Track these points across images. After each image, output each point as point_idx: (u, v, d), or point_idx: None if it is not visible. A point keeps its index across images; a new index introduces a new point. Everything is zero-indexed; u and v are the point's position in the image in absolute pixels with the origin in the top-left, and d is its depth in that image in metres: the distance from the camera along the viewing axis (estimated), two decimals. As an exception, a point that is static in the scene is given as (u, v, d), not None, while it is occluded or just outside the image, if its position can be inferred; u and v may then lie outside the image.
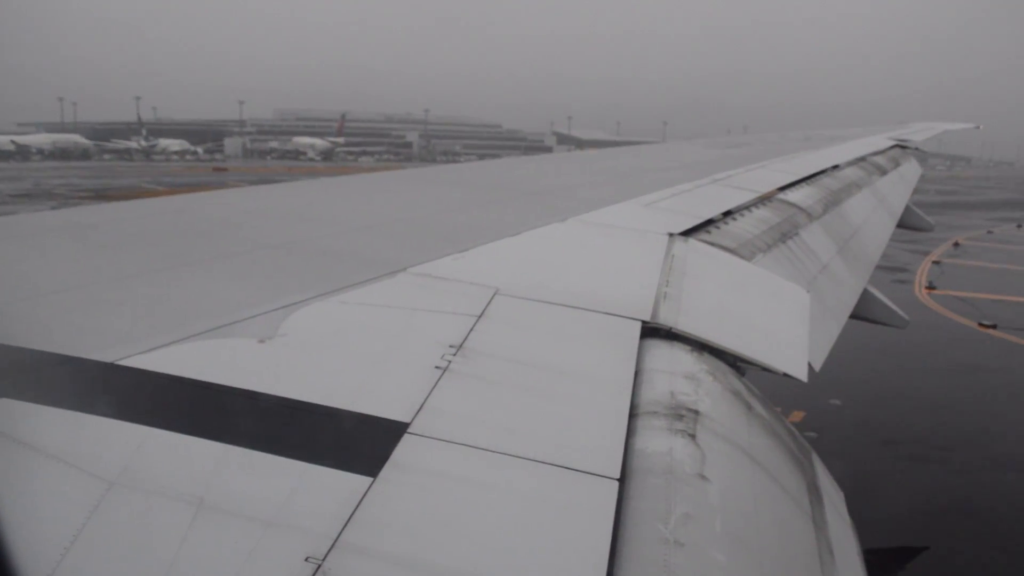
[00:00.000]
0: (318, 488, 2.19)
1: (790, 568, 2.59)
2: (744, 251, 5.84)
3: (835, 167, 11.92)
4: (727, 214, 6.80)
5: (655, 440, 2.73)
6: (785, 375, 3.91)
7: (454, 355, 3.08)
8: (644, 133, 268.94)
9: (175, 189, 63.85)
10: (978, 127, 30.48)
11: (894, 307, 8.85)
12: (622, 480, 2.45)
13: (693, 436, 2.79)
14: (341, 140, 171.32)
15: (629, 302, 4.02)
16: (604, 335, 3.63)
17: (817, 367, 4.72)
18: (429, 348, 3.12)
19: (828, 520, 3.02)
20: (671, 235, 5.57)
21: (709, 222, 6.31)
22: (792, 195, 8.74)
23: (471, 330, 3.35)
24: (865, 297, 7.90)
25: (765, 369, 3.90)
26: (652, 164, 11.00)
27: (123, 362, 2.67)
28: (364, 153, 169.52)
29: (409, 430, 2.51)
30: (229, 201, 6.30)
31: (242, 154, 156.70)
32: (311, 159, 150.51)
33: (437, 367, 2.95)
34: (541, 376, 3.12)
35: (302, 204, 6.19)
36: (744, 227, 6.57)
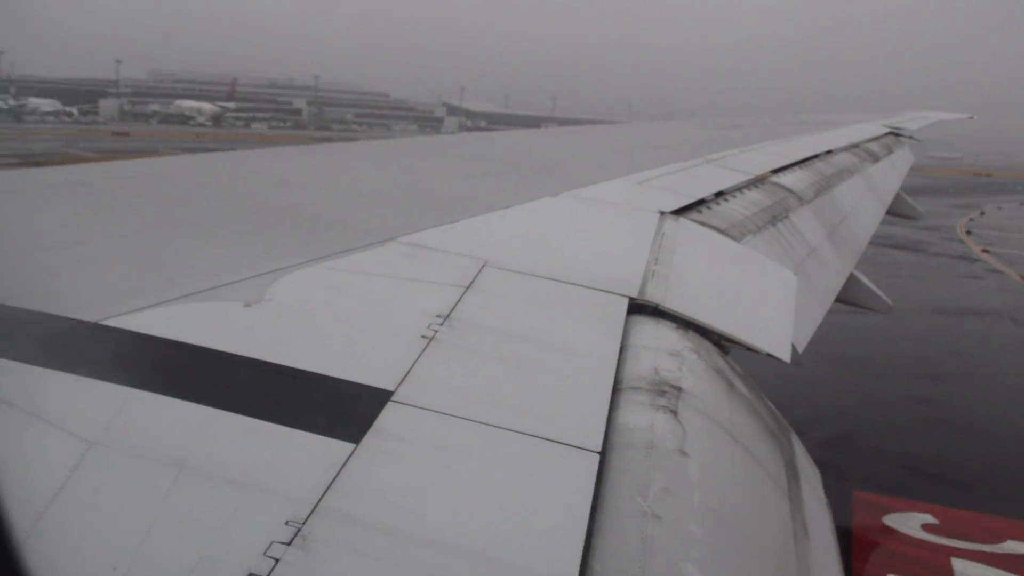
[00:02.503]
0: (300, 453, 2.20)
1: (765, 544, 2.62)
2: (734, 232, 5.85)
3: (828, 152, 11.93)
4: (719, 195, 6.81)
5: (637, 415, 2.74)
6: (769, 355, 3.93)
7: (440, 325, 3.08)
8: (534, 107, 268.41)
9: (102, 156, 60.90)
10: (971, 117, 30.51)
11: (879, 292, 8.89)
12: (603, 453, 2.46)
13: (675, 412, 2.81)
14: (232, 105, 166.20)
15: (617, 278, 4.03)
16: (591, 310, 3.64)
17: (801, 349, 4.76)
18: (416, 317, 3.12)
19: (804, 498, 3.05)
20: (662, 213, 5.57)
21: (701, 202, 6.31)
22: (785, 178, 8.75)
23: (458, 301, 3.36)
24: (851, 281, 7.94)
25: (749, 349, 3.93)
26: (646, 142, 10.99)
27: (107, 322, 2.66)
28: (254, 119, 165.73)
29: (393, 398, 2.51)
30: (216, 165, 6.26)
31: (119, 117, 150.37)
32: (201, 124, 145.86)
33: (423, 336, 2.96)
34: (526, 348, 3.13)
35: (290, 171, 6.15)
36: (735, 208, 6.58)
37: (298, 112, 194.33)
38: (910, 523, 12.77)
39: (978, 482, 15.67)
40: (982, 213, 74.93)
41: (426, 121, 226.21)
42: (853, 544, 11.81)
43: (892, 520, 12.87)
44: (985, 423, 19.50)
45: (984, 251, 49.07)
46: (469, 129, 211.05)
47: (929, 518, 12.73)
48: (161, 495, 1.97)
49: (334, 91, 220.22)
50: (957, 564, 11.17)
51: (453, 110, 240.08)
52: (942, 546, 11.83)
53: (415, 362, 2.76)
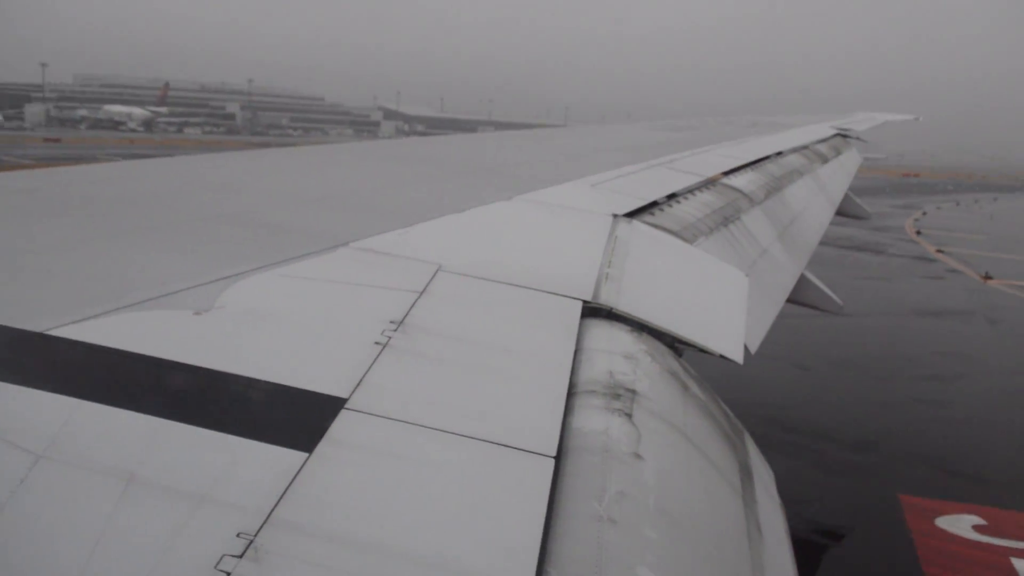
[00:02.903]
0: (252, 463, 2.17)
1: (720, 545, 2.64)
2: (687, 234, 5.90)
3: (779, 154, 12.09)
4: (671, 197, 6.86)
5: (592, 418, 2.75)
6: (722, 357, 3.97)
7: (395, 331, 3.06)
8: (470, 111, 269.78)
9: (39, 163, 59.92)
10: (917, 119, 31.12)
11: (830, 293, 9.03)
12: (558, 458, 2.47)
13: (630, 415, 2.83)
14: (164, 110, 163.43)
15: (571, 282, 4.04)
16: (545, 314, 3.64)
17: (753, 350, 4.81)
18: (369, 323, 3.10)
19: (758, 499, 3.08)
20: (615, 216, 5.60)
21: (654, 204, 6.36)
22: (736, 180, 8.85)
23: (412, 306, 3.34)
24: (802, 282, 8.05)
25: (702, 350, 3.96)
26: (599, 145, 11.03)
27: (53, 332, 2.61)
28: (187, 124, 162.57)
29: (347, 406, 2.50)
30: (169, 171, 6.17)
31: (46, 123, 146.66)
32: (132, 129, 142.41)
33: (377, 343, 2.94)
34: (481, 353, 3.12)
35: (238, 176, 6.08)
36: (688, 210, 6.64)
37: (232, 117, 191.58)
38: (961, 525, 13.19)
39: (1013, 480, 16.40)
40: (924, 213, 78.99)
41: (362, 125, 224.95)
42: (917, 549, 12.19)
43: (944, 523, 13.28)
44: (1000, 421, 20.78)
45: (939, 251, 51.60)
46: (407, 133, 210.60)
47: (978, 519, 13.17)
48: (110, 509, 1.93)
49: (268, 95, 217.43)
50: (1018, 564, 11.59)
51: (390, 114, 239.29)
52: (998, 547, 12.27)
53: (369, 369, 2.74)
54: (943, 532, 12.71)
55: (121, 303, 2.92)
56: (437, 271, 3.81)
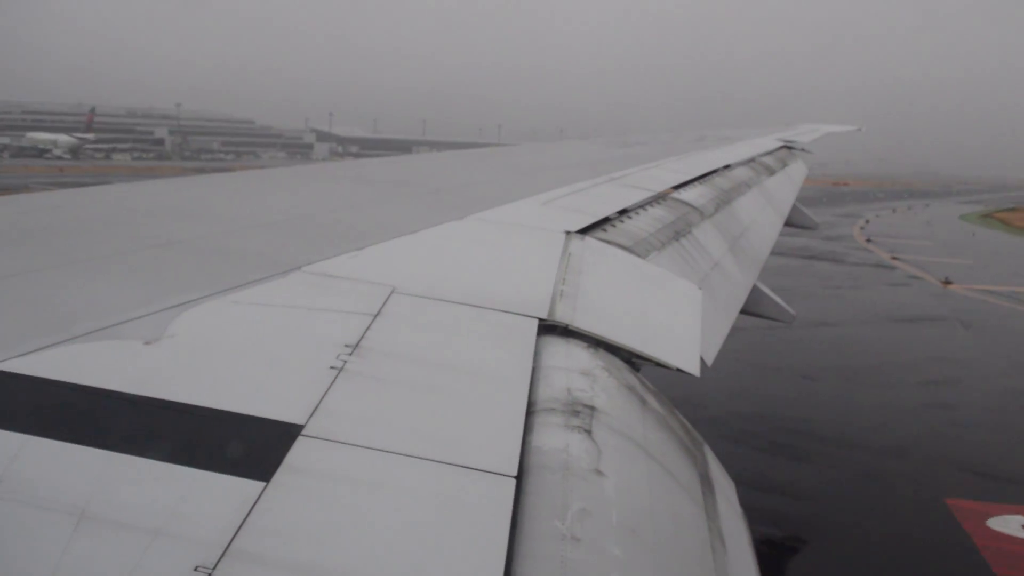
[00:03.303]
0: (208, 495, 2.13)
1: (684, 559, 2.64)
2: (639, 249, 5.94)
3: (727, 167, 12.24)
4: (623, 212, 6.90)
5: (552, 437, 2.75)
6: (678, 370, 3.99)
7: (350, 355, 3.03)
8: (404, 130, 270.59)
9: None
10: (859, 129, 31.76)
11: (783, 303, 9.15)
12: (519, 477, 2.45)
13: (589, 432, 2.83)
14: (91, 136, 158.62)
15: (526, 300, 4.04)
16: (501, 333, 3.64)
17: (709, 362, 4.84)
18: (324, 348, 3.07)
19: (720, 511, 3.10)
20: (568, 233, 5.62)
21: (605, 220, 6.39)
22: (686, 194, 8.94)
23: (367, 329, 3.31)
24: (755, 293, 8.14)
25: (659, 364, 3.98)
26: (550, 162, 11.09)
27: None
28: (115, 150, 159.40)
29: (303, 432, 2.46)
30: (112, 198, 6.07)
31: None
32: (58, 157, 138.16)
33: (332, 367, 2.91)
34: (438, 375, 3.10)
35: (191, 201, 6.00)
36: (639, 225, 6.68)
37: (161, 142, 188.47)
38: (1012, 525, 13.69)
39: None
40: (867, 222, 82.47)
41: (295, 148, 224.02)
42: (981, 551, 12.66)
43: (995, 524, 13.72)
44: (1010, 422, 22.23)
45: (894, 258, 54.17)
46: (340, 155, 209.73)
47: (1024, 519, 13.45)
48: (61, 547, 1.88)
49: (198, 119, 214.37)
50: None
51: (323, 136, 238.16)
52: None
53: (325, 394, 2.71)
54: (997, 533, 13.22)
55: (68, 335, 2.85)
56: (391, 293, 3.79)
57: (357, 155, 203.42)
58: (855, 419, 22.09)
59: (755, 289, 8.13)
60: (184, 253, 4.25)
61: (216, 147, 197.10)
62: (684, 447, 3.41)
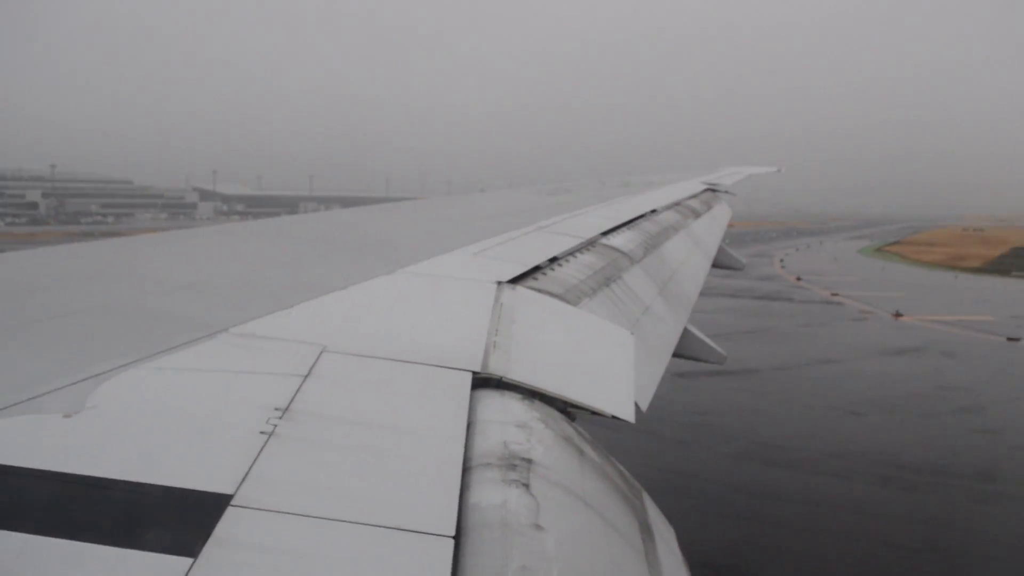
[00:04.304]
0: (134, 575, 2.04)
1: None
2: (570, 296, 5.95)
3: (653, 211, 12.42)
4: (553, 260, 6.93)
5: (489, 492, 2.71)
6: (614, 417, 3.99)
7: (280, 418, 2.96)
8: (289, 187, 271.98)
9: None
10: (779, 170, 32.56)
11: (714, 345, 9.24)
12: (457, 537, 2.41)
13: (527, 485, 2.79)
14: None
15: (459, 353, 4.01)
16: (435, 388, 3.59)
17: (644, 407, 4.85)
18: (253, 412, 2.99)
19: (660, 558, 3.07)
20: (499, 283, 5.61)
21: (536, 269, 6.41)
22: (614, 240, 9.03)
23: (298, 391, 3.24)
24: (686, 335, 8.22)
25: (594, 413, 3.97)
26: (479, 213, 11.12)
27: None
28: None
29: (233, 502, 2.38)
30: (29, 262, 5.87)
31: None
32: None
33: (262, 432, 2.83)
34: (371, 435, 3.04)
35: (113, 264, 5.84)
36: (570, 273, 6.71)
37: (35, 205, 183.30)
38: None
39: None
40: (782, 260, 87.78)
41: (177, 207, 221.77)
42: None
43: None
44: None
45: (833, 295, 57.77)
46: (226, 214, 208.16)
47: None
48: None
49: (73, 181, 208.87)
50: None
51: (206, 195, 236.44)
52: None
53: (255, 461, 2.63)
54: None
55: None
56: (322, 352, 3.72)
57: (243, 213, 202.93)
58: (928, 449, 26.07)
59: (686, 331, 8.20)
60: (104, 319, 4.12)
61: (94, 209, 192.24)
62: (623, 495, 3.39)
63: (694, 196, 17.04)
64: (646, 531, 3.24)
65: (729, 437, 30.10)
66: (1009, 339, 48.49)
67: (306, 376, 3.41)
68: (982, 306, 62.48)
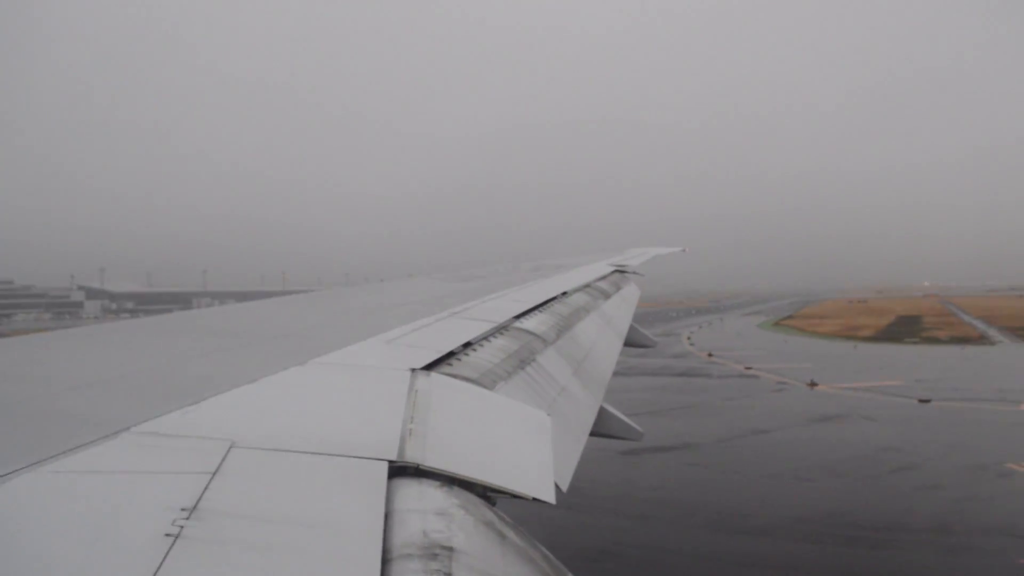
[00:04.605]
0: None
1: None
2: (486, 380, 5.92)
3: (564, 294, 12.56)
4: (467, 345, 6.91)
5: None
6: (535, 499, 3.93)
7: (187, 519, 2.82)
8: (181, 283, 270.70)
9: None
10: (683, 250, 33.40)
11: (630, 422, 9.28)
12: None
13: (449, 574, 2.71)
14: None
15: (374, 442, 3.92)
16: (350, 479, 3.49)
17: (564, 487, 4.81)
18: (157, 514, 2.84)
19: None
20: (414, 370, 5.55)
21: (451, 354, 6.37)
22: (527, 323, 9.07)
23: (205, 489, 3.10)
24: (602, 414, 8.24)
25: (515, 496, 3.91)
26: (391, 300, 11.06)
27: None
28: None
29: None
30: None
31: None
32: None
33: (168, 535, 2.69)
34: (285, 530, 2.92)
35: (7, 363, 5.57)
36: (484, 357, 6.69)
37: None
38: None
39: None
40: (690, 338, 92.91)
41: (63, 307, 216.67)
42: None
43: None
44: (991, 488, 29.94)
45: (747, 368, 60.68)
46: (115, 312, 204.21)
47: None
48: None
49: None
50: None
51: (93, 293, 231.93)
52: None
53: (160, 566, 2.49)
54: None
55: None
56: (231, 448, 3.59)
57: (133, 311, 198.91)
58: (881, 508, 28.80)
59: (602, 410, 8.23)
60: None
61: None
62: None
63: (603, 277, 17.31)
64: None
65: (690, 509, 30.89)
66: (920, 400, 52.37)
67: (214, 473, 3.28)
68: (887, 371, 66.78)
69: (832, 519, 28.64)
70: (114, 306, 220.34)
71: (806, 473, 35.08)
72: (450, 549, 2.91)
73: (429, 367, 5.78)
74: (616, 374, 9.56)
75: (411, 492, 3.45)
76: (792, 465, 36.54)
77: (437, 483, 3.62)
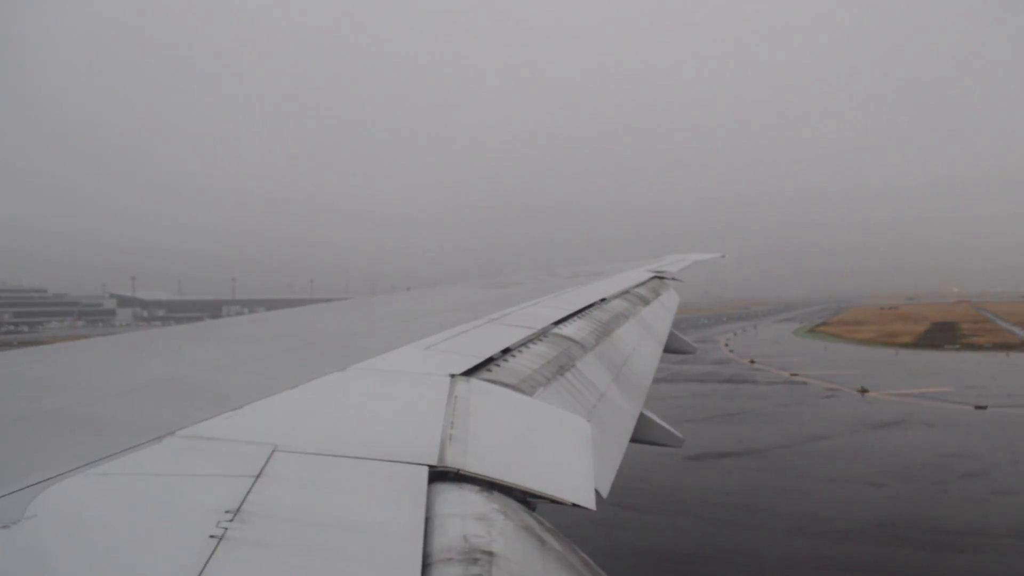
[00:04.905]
0: None
1: None
2: (525, 386, 5.93)
3: (603, 300, 12.53)
4: (506, 351, 6.92)
5: None
6: (574, 505, 3.93)
7: (231, 521, 2.86)
8: (210, 291, 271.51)
9: None
10: (723, 256, 33.18)
11: (671, 428, 9.23)
12: None
13: None
14: None
15: (415, 448, 3.94)
16: (390, 484, 3.51)
17: (604, 493, 4.79)
18: (202, 516, 2.89)
19: None
20: (453, 376, 5.57)
21: (489, 360, 6.38)
22: (566, 329, 9.06)
23: (248, 492, 3.14)
24: (643, 420, 8.20)
25: (554, 501, 3.91)
26: (429, 307, 11.11)
27: None
28: None
29: None
30: None
31: None
32: None
33: (212, 536, 2.73)
34: (326, 534, 2.95)
35: (55, 369, 5.69)
36: (523, 363, 6.70)
37: None
38: None
39: None
40: (728, 344, 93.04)
41: (95, 315, 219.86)
42: None
43: None
44: None
45: (793, 375, 60.75)
46: (146, 319, 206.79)
47: None
48: None
49: None
50: None
51: (125, 301, 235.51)
52: None
53: (205, 566, 2.52)
54: None
55: None
56: (273, 452, 3.63)
57: (164, 319, 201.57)
58: (959, 513, 28.90)
59: (642, 416, 8.19)
60: (43, 425, 3.99)
61: (7, 319, 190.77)
62: None
63: (642, 284, 17.25)
64: None
65: (769, 514, 30.80)
66: (977, 407, 51.57)
67: (257, 476, 3.31)
68: (935, 378, 66.38)
69: (914, 524, 28.76)
70: (145, 313, 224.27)
71: (875, 479, 35.12)
72: (490, 554, 2.92)
73: (468, 373, 5.79)
74: (661, 380, 9.61)
75: (451, 497, 3.47)
76: (860, 471, 36.55)
77: (477, 488, 3.63)
